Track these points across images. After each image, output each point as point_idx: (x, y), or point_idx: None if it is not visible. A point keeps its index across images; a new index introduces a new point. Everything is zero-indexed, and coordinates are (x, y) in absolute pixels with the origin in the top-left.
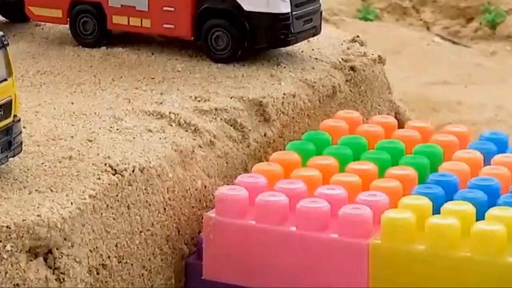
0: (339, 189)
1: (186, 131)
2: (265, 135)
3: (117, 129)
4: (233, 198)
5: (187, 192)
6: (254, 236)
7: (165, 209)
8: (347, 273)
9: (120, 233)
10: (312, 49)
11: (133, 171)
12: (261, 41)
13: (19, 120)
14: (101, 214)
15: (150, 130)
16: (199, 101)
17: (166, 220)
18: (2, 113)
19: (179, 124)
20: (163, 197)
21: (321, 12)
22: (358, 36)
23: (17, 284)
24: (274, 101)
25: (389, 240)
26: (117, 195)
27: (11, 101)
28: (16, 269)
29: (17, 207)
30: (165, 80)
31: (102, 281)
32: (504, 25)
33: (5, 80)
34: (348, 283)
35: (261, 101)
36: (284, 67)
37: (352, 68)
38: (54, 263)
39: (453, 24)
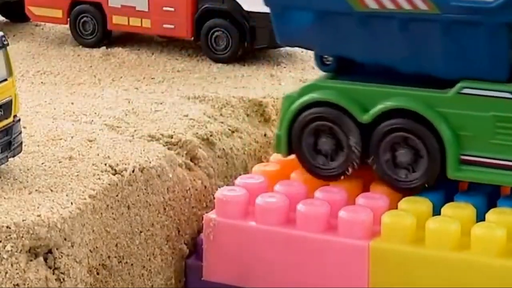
0: (339, 190)
1: (186, 131)
2: (265, 135)
3: (117, 129)
4: (233, 199)
5: (187, 192)
6: (254, 237)
7: (165, 209)
8: (347, 274)
9: (120, 233)
10: None
11: (133, 171)
12: (261, 41)
13: (19, 120)
14: (101, 214)
15: (150, 130)
16: (199, 101)
17: (166, 220)
18: (2, 113)
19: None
20: (163, 197)
21: None
22: None
23: (17, 284)
24: (274, 101)
25: (389, 241)
26: (117, 195)
27: (11, 101)
28: (16, 269)
29: (17, 207)
30: (165, 80)
31: (102, 281)
32: None
33: (5, 80)
34: (349, 283)
35: (261, 101)
36: (284, 67)
37: None
38: (54, 263)
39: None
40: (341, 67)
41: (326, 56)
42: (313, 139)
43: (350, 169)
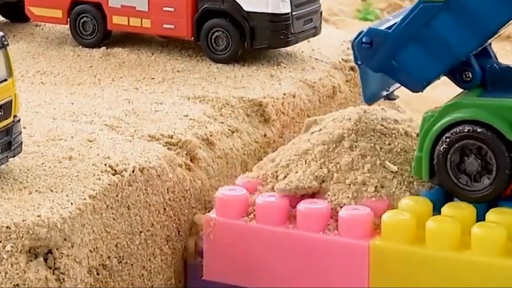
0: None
1: (186, 131)
2: (265, 135)
3: (117, 129)
4: (233, 198)
5: (187, 192)
6: (254, 237)
7: (165, 209)
8: (347, 274)
9: (120, 233)
10: (312, 49)
11: (133, 171)
12: (261, 41)
13: (19, 121)
14: (101, 214)
15: (150, 130)
16: (199, 101)
17: (166, 221)
18: (2, 113)
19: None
20: (163, 198)
21: (321, 12)
22: None
23: (17, 284)
24: (274, 101)
25: (389, 241)
26: (117, 196)
27: (11, 101)
28: (16, 269)
29: (17, 208)
30: (165, 80)
31: (102, 282)
32: None
33: (5, 80)
34: (348, 283)
35: (261, 101)
36: (284, 67)
37: (352, 68)
38: (54, 263)
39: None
40: (481, 84)
41: (466, 73)
42: (459, 159)
43: (500, 191)
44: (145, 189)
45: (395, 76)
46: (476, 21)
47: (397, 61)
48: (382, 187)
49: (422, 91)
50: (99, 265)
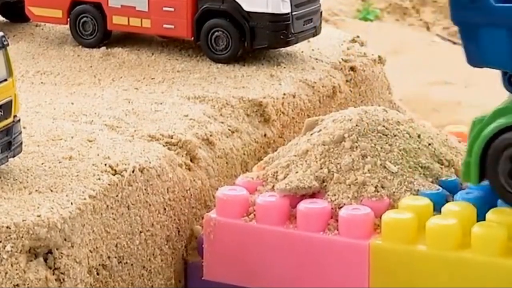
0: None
1: (186, 131)
2: (265, 135)
3: (117, 129)
4: (234, 198)
5: (187, 192)
6: (254, 237)
7: (165, 209)
8: (347, 274)
9: (120, 233)
10: (312, 49)
11: (133, 171)
12: (261, 41)
13: (19, 120)
14: (101, 214)
15: (150, 130)
16: (199, 101)
17: (166, 221)
18: (2, 113)
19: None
20: (163, 197)
21: (321, 12)
22: (358, 37)
23: (17, 285)
24: (274, 102)
25: (389, 240)
26: (117, 195)
27: (11, 101)
28: (16, 269)
29: (17, 208)
30: (165, 80)
31: (102, 282)
32: None
33: (5, 80)
34: (349, 283)
35: (261, 101)
36: (284, 67)
37: (352, 68)
38: (54, 263)
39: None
40: None
41: None
42: (510, 165)
43: None
44: (145, 189)
45: (464, 38)
46: None
47: (479, 32)
48: (382, 187)
49: (474, 67)
50: (99, 265)
